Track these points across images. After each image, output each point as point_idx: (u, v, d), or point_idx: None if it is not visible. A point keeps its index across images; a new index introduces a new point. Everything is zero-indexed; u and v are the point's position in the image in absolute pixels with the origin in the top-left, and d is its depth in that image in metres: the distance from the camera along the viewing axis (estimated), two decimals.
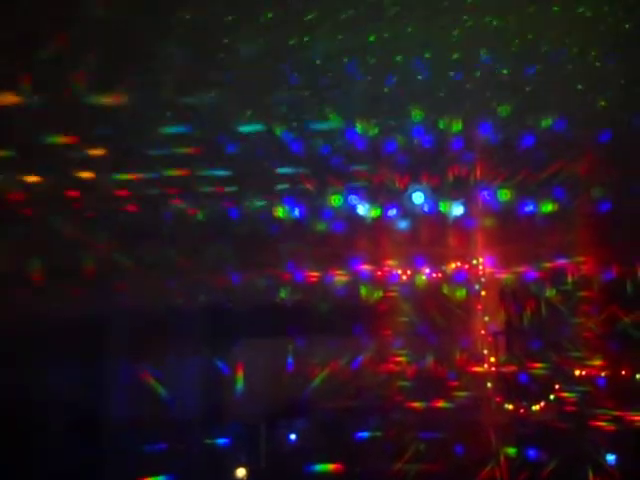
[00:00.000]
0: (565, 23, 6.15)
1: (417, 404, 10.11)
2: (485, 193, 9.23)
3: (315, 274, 10.46)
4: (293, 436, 10.02)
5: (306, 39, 6.17)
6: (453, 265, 10.75)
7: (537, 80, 6.95)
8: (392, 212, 9.53)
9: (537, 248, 10.05)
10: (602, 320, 10.00)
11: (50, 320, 8.90)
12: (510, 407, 10.08)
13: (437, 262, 10.80)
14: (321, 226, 9.38)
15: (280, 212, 9.14)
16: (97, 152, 7.49)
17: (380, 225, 9.53)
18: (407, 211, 9.41)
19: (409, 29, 6.11)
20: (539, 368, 10.24)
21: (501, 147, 8.19)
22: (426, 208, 9.32)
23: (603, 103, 7.31)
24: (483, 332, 10.24)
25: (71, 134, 7.13)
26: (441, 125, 7.75)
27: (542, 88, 7.12)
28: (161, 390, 9.77)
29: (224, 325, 10.23)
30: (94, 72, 6.16)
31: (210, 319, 10.14)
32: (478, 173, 8.93)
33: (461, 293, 10.55)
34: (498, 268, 10.37)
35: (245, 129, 7.48)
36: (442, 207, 9.43)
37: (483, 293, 10.23)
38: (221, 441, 9.67)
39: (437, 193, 9.26)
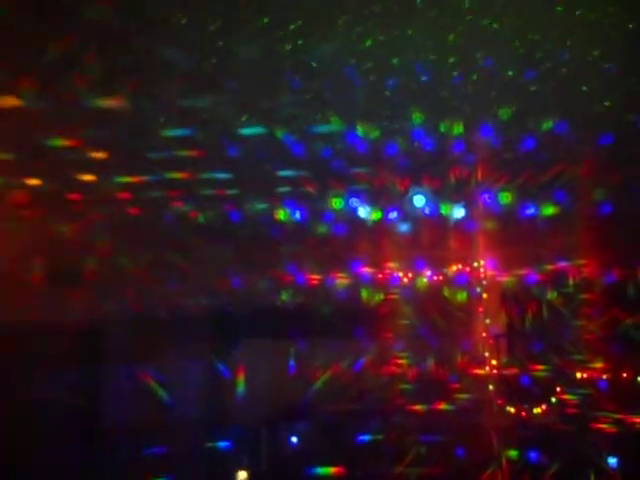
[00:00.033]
0: (566, 25, 6.16)
1: (418, 407, 10.10)
2: (486, 196, 9.23)
3: (316, 277, 10.45)
4: (294, 439, 10.01)
5: (307, 42, 6.17)
6: (454, 268, 10.73)
7: (538, 83, 6.95)
8: (393, 215, 9.52)
9: (538, 250, 10.05)
10: (604, 323, 9.98)
11: (51, 323, 8.90)
12: (511, 410, 10.07)
13: (438, 265, 10.79)
14: (322, 229, 9.38)
15: (281, 215, 9.14)
16: (99, 155, 7.50)
17: (381, 228, 9.53)
18: (408, 214, 9.41)
19: (410, 32, 6.12)
20: (541, 371, 10.23)
21: (502, 149, 8.19)
22: (427, 211, 9.32)
23: (607, 103, 7.31)
24: (484, 335, 10.23)
25: (73, 137, 7.14)
26: (442, 128, 7.75)
27: (543, 90, 7.12)
28: (162, 393, 9.76)
29: (225, 328, 10.23)
30: (96, 75, 6.17)
31: (211, 322, 10.13)
32: (479, 176, 8.93)
33: (462, 296, 10.54)
34: (499, 271, 10.37)
35: (246, 132, 7.49)
36: (443, 210, 9.43)
37: (484, 296, 10.23)
38: (222, 444, 9.66)
39: (438, 196, 9.26)
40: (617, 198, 8.92)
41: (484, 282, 10.25)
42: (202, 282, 9.87)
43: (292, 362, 10.65)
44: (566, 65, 6.69)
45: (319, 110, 7.32)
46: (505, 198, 9.17)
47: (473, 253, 10.19)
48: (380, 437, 9.82)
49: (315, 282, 10.47)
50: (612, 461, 8.78)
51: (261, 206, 9.04)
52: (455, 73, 6.85)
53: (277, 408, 10.14)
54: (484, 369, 10.17)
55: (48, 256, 8.88)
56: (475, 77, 6.89)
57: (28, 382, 8.82)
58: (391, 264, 10.64)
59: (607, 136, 7.89)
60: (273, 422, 10.01)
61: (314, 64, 6.51)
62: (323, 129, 7.63)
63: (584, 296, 10.16)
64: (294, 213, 9.17)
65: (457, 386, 10.34)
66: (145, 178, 8.09)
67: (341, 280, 10.55)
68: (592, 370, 10.08)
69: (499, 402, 10.04)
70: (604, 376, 10.02)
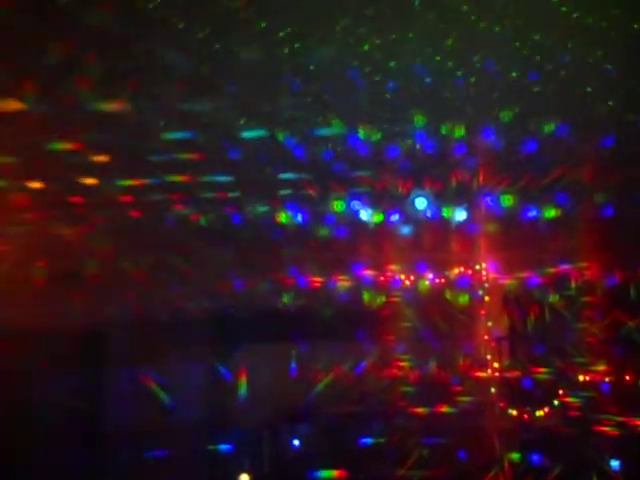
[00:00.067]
0: (568, 27, 6.14)
1: (420, 409, 10.11)
2: (488, 199, 9.22)
3: (318, 279, 10.47)
4: (296, 442, 10.01)
5: (307, 44, 6.17)
6: (456, 270, 10.74)
7: (539, 85, 6.94)
8: (395, 218, 9.52)
9: (540, 253, 10.05)
10: (606, 325, 9.98)
11: (53, 326, 8.92)
12: (514, 412, 10.06)
13: (440, 267, 10.80)
14: (324, 232, 9.38)
15: (283, 217, 9.14)
16: (101, 158, 7.50)
17: (383, 231, 9.52)
18: (410, 216, 9.41)
19: (411, 35, 6.11)
20: (543, 373, 10.23)
21: (504, 152, 8.17)
22: (429, 214, 9.31)
23: (609, 105, 7.29)
24: (486, 337, 10.24)
25: (75, 140, 7.14)
26: (444, 130, 7.73)
27: (545, 93, 7.10)
28: (164, 396, 9.77)
29: (227, 330, 10.24)
30: (98, 79, 6.17)
31: (213, 325, 10.15)
32: (481, 178, 8.92)
33: (464, 298, 10.55)
34: (501, 273, 10.37)
35: (248, 135, 7.48)
36: (445, 212, 9.43)
37: (486, 298, 10.23)
38: (224, 447, 9.67)
39: (440, 198, 9.25)
40: (619, 201, 8.91)
41: (486, 285, 10.26)
42: (204, 285, 9.88)
43: (294, 365, 10.66)
44: (567, 67, 6.67)
45: (320, 113, 7.31)
46: (507, 201, 9.16)
47: (475, 256, 10.19)
48: (382, 440, 9.82)
49: (317, 285, 10.48)
50: (614, 464, 8.76)
51: (262, 209, 9.04)
52: (456, 75, 6.84)
53: (279, 411, 10.14)
54: (486, 372, 10.17)
55: (50, 259, 8.89)
56: (476, 79, 6.88)
57: (30, 385, 8.84)
58: (393, 267, 10.65)
59: (609, 138, 7.87)
60: (275, 425, 10.01)
61: (315, 67, 6.51)
62: (324, 132, 7.61)
63: (586, 299, 10.16)
64: (295, 216, 9.17)
65: (459, 389, 10.35)
66: (146, 181, 8.09)
67: (343, 283, 10.55)
68: (594, 373, 10.07)
69: (501, 405, 10.04)
70: (606, 379, 10.02)
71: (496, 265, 10.25)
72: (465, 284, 10.56)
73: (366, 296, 10.67)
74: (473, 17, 6.00)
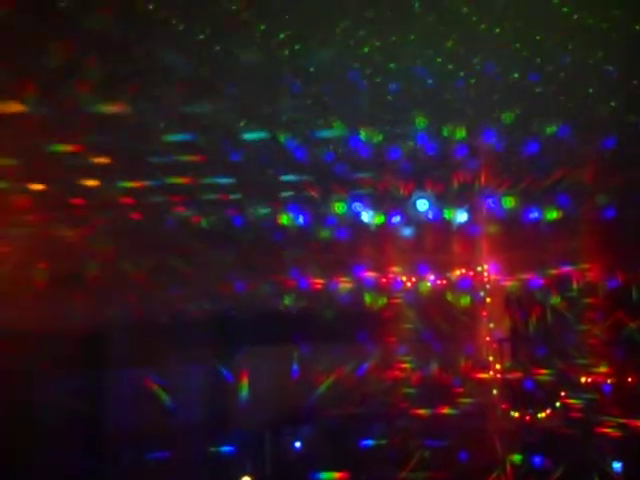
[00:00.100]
0: (569, 28, 6.13)
1: (422, 411, 10.11)
2: (489, 200, 9.21)
3: (319, 281, 10.46)
4: (298, 444, 10.02)
5: (307, 46, 6.16)
6: (458, 272, 10.73)
7: (541, 86, 6.93)
8: (396, 219, 9.51)
9: (542, 255, 10.03)
10: (607, 327, 9.97)
11: (54, 327, 8.92)
12: (516, 414, 10.05)
13: (442, 269, 10.79)
14: (325, 233, 9.37)
15: (284, 219, 9.13)
16: (101, 160, 7.50)
17: (384, 232, 9.51)
18: (411, 218, 9.40)
19: (412, 36, 6.10)
20: (545, 375, 10.22)
21: (505, 154, 8.16)
22: (430, 215, 9.30)
23: (611, 106, 7.28)
24: (488, 339, 10.22)
25: (76, 142, 7.14)
26: (445, 132, 7.72)
27: (546, 94, 7.09)
28: (165, 398, 9.77)
29: (229, 332, 10.24)
30: (98, 81, 6.17)
31: (214, 327, 10.15)
32: (482, 180, 8.91)
33: (466, 300, 10.54)
34: (503, 275, 10.36)
35: (249, 137, 7.47)
36: (446, 214, 9.41)
37: (488, 300, 10.22)
38: (226, 449, 9.67)
39: (441, 200, 9.24)
40: (620, 202, 8.90)
41: (488, 286, 10.24)
42: (205, 287, 9.88)
43: (295, 366, 10.66)
44: (569, 68, 6.66)
45: (321, 114, 7.30)
46: (508, 202, 9.14)
47: (476, 257, 10.18)
48: (384, 441, 9.82)
49: (318, 287, 10.47)
50: (616, 465, 8.77)
51: (264, 211, 9.03)
52: (458, 77, 6.83)
53: (281, 413, 10.15)
54: (488, 373, 10.16)
55: (51, 261, 8.89)
56: (478, 81, 6.87)
57: (31, 386, 8.84)
58: (394, 268, 10.64)
59: (610, 139, 7.86)
60: (277, 427, 10.03)
61: (315, 68, 6.50)
62: (325, 133, 7.61)
63: (588, 300, 10.15)
64: (297, 218, 9.16)
65: (461, 390, 10.34)
66: (147, 183, 8.08)
67: (344, 285, 10.55)
68: (596, 374, 10.06)
69: (503, 406, 10.03)
70: (608, 380, 10.00)
71: (498, 267, 10.24)
72: (467, 286, 10.55)
73: (368, 298, 10.67)
74: (474, 19, 6.00)
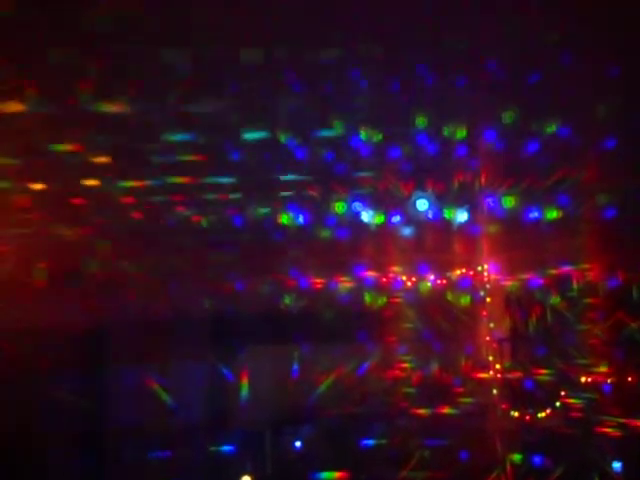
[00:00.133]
0: (570, 27, 6.14)
1: (422, 411, 10.10)
2: (490, 200, 9.21)
3: (320, 281, 10.46)
4: (298, 443, 10.02)
5: (309, 46, 6.18)
6: (458, 272, 10.72)
7: (542, 86, 6.93)
8: (396, 219, 9.51)
9: (542, 255, 10.03)
10: (608, 326, 9.96)
11: (55, 326, 8.93)
12: (516, 414, 10.05)
13: (442, 269, 10.79)
14: (325, 233, 9.37)
15: (284, 219, 9.14)
16: (102, 159, 7.51)
17: (384, 232, 9.52)
18: (411, 218, 9.40)
19: (412, 36, 6.11)
20: (545, 375, 10.21)
21: (506, 153, 8.17)
22: (430, 215, 9.30)
23: (614, 104, 7.28)
24: (488, 339, 10.21)
25: (77, 142, 7.16)
26: (445, 132, 7.73)
27: (546, 94, 7.10)
28: (166, 397, 9.78)
29: (229, 332, 10.24)
30: (99, 80, 6.19)
31: (215, 326, 10.15)
32: (483, 180, 8.92)
33: (466, 300, 10.54)
34: (503, 275, 10.35)
35: (249, 136, 7.49)
36: (447, 214, 9.42)
37: (488, 300, 10.21)
38: (226, 448, 9.67)
39: (441, 199, 9.24)
40: (621, 202, 8.90)
41: (488, 286, 10.23)
42: (206, 286, 9.88)
43: (296, 366, 10.65)
44: (569, 67, 6.67)
45: (322, 114, 7.31)
46: (509, 202, 9.15)
47: (477, 257, 10.17)
48: (384, 441, 9.82)
49: (318, 286, 10.47)
50: (616, 465, 8.76)
51: (264, 210, 9.04)
52: (458, 77, 6.84)
53: (281, 412, 10.15)
54: (488, 373, 10.15)
55: (52, 260, 8.91)
56: (478, 81, 6.88)
57: (31, 384, 8.84)
58: (394, 268, 10.63)
59: (611, 140, 7.87)
60: (277, 426, 10.02)
61: (319, 69, 6.52)
62: (326, 133, 7.62)
63: (588, 300, 10.13)
64: (297, 217, 9.17)
65: (461, 390, 10.34)
66: (148, 183, 8.10)
67: (344, 284, 10.55)
68: (596, 374, 10.05)
69: (503, 406, 10.02)
70: (608, 380, 9.99)
71: (498, 266, 10.23)
72: (467, 285, 10.54)
73: (368, 297, 10.66)
74: (474, 18, 6.01)
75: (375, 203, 9.27)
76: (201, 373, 10.28)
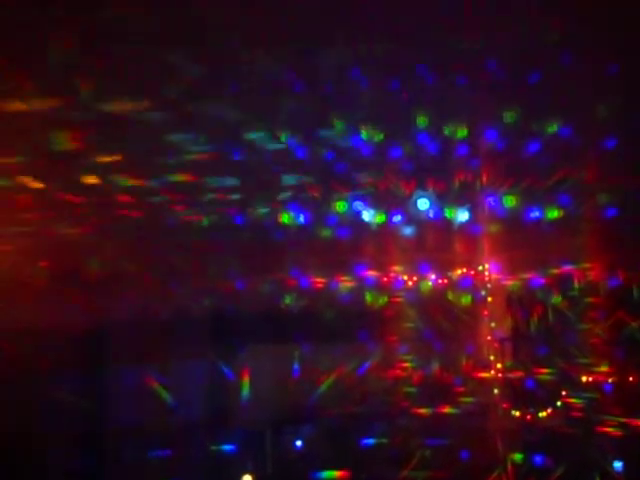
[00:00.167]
0: (570, 27, 6.13)
1: (423, 410, 10.10)
2: (491, 199, 9.21)
3: (320, 280, 10.46)
4: (299, 442, 10.01)
5: (311, 47, 6.17)
6: (459, 271, 10.71)
7: (542, 86, 6.93)
8: (397, 218, 9.51)
9: (543, 254, 10.02)
10: (609, 326, 9.96)
11: (55, 325, 8.93)
12: (517, 413, 10.04)
13: (443, 268, 10.78)
14: (326, 232, 9.38)
15: (285, 218, 9.14)
16: (103, 158, 7.52)
17: (385, 231, 9.52)
18: (412, 217, 9.40)
19: (412, 36, 6.11)
20: (546, 374, 10.20)
21: (507, 153, 8.16)
22: (431, 214, 9.30)
23: (614, 104, 7.27)
24: (489, 338, 10.20)
25: (79, 140, 7.16)
26: (446, 131, 7.73)
27: (547, 94, 7.09)
28: (166, 396, 9.78)
29: (230, 331, 10.24)
30: (102, 79, 6.19)
31: (216, 325, 10.15)
32: (484, 179, 8.91)
33: (467, 299, 10.52)
34: (504, 274, 10.34)
35: (251, 136, 7.49)
36: (447, 213, 9.42)
37: (489, 299, 10.20)
38: (227, 447, 9.68)
39: (443, 199, 9.24)
40: (622, 201, 8.90)
41: (489, 285, 10.22)
42: (207, 285, 9.89)
43: (296, 365, 10.65)
44: (570, 67, 6.66)
45: (323, 114, 7.31)
46: (510, 201, 9.15)
47: (478, 256, 10.16)
48: (385, 440, 9.82)
49: (319, 285, 10.47)
50: (617, 465, 8.76)
51: (265, 210, 9.04)
52: (459, 77, 6.83)
53: (282, 411, 10.15)
54: (489, 373, 10.14)
55: (52, 259, 8.92)
56: (479, 80, 6.87)
57: (31, 385, 8.85)
58: (395, 267, 10.63)
59: (612, 139, 7.86)
60: (278, 425, 10.02)
61: (320, 69, 6.52)
62: (327, 133, 7.62)
63: (589, 299, 10.13)
64: (298, 217, 9.17)
65: (462, 389, 10.33)
66: (149, 182, 8.11)
67: (345, 283, 10.55)
68: (597, 373, 10.05)
69: (504, 406, 10.01)
70: (609, 379, 9.99)
71: (499, 266, 10.22)
72: (468, 285, 10.54)
73: (369, 297, 10.66)
74: (475, 18, 5.99)
75: (376, 202, 9.28)
76: (201, 372, 10.28)
